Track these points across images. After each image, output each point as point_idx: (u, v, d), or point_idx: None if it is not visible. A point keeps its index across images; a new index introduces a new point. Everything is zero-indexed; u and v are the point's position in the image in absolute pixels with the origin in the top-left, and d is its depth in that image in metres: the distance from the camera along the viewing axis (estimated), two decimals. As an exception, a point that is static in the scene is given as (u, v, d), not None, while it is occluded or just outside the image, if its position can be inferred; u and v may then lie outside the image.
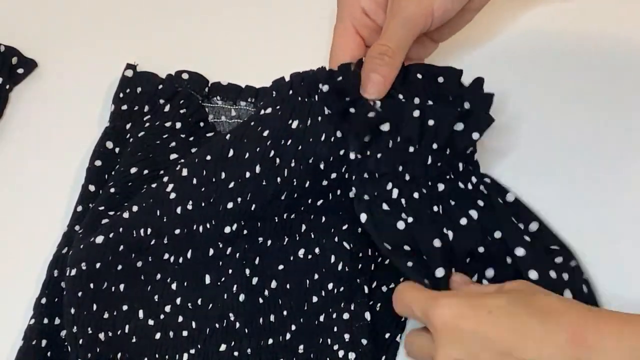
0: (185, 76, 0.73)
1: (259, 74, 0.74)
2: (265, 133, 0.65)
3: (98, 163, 0.70)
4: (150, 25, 0.78)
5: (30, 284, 0.66)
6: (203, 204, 0.65)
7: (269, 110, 0.67)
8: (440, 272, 0.60)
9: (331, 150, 0.65)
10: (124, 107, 0.72)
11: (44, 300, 0.65)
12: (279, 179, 0.65)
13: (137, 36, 0.78)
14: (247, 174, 0.65)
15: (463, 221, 0.62)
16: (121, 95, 0.73)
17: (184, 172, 0.65)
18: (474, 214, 0.63)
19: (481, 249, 0.62)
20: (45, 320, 0.64)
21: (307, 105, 0.66)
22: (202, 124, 0.71)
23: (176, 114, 0.71)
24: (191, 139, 0.70)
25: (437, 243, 0.61)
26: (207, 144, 0.67)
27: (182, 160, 0.67)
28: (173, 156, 0.69)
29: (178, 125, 0.70)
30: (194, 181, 0.65)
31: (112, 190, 0.67)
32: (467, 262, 0.62)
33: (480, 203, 0.63)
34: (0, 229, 0.70)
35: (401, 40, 0.64)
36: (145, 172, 0.68)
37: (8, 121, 0.75)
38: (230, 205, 0.65)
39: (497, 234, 0.62)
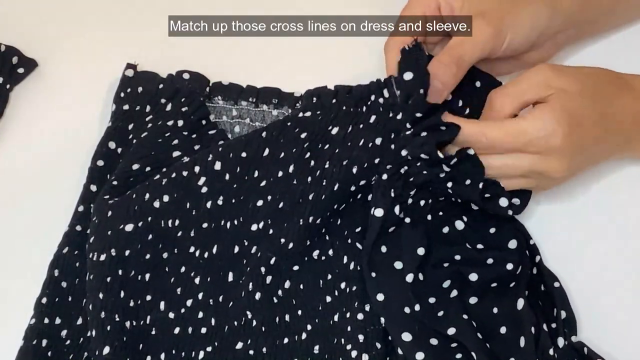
0: (186, 76, 0.73)
1: (260, 74, 0.75)
2: (303, 135, 0.66)
3: (100, 163, 0.70)
4: (150, 25, 0.78)
5: (31, 284, 0.66)
6: (233, 201, 0.66)
7: (308, 113, 0.68)
8: (409, 278, 0.62)
9: (367, 156, 0.65)
10: (126, 107, 0.72)
11: (44, 300, 0.65)
12: (309, 178, 0.65)
13: (137, 36, 0.78)
14: (280, 173, 0.66)
15: (445, 229, 0.64)
16: (122, 95, 0.73)
17: (217, 166, 0.66)
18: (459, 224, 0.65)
19: (457, 257, 0.64)
20: (46, 320, 0.64)
21: (351, 115, 0.67)
22: (204, 122, 0.71)
23: (178, 112, 0.71)
24: (193, 136, 0.70)
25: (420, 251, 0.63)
26: (242, 139, 0.68)
27: (214, 150, 0.67)
28: (175, 154, 0.69)
29: (180, 123, 0.70)
30: (227, 177, 0.66)
31: (115, 183, 0.67)
32: (445, 267, 0.63)
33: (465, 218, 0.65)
34: (1, 228, 0.70)
35: (470, 58, 0.65)
36: (147, 169, 0.68)
37: (8, 121, 0.75)
38: (259, 203, 0.66)
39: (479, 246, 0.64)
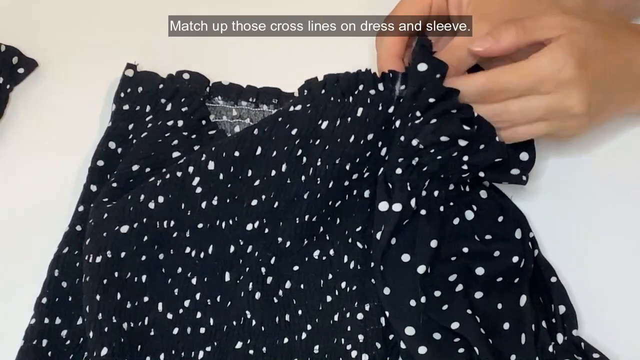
0: (186, 76, 0.73)
1: (260, 74, 0.75)
2: (294, 132, 0.66)
3: (100, 163, 0.70)
4: (150, 25, 0.78)
5: (31, 284, 0.66)
6: (228, 200, 0.66)
7: (298, 107, 0.67)
8: (421, 270, 0.62)
9: (359, 152, 0.65)
10: (126, 107, 0.72)
11: (44, 300, 0.65)
12: (303, 177, 0.65)
13: (137, 36, 0.78)
14: (273, 172, 0.66)
15: (456, 221, 0.64)
16: (122, 95, 0.73)
17: (211, 166, 0.66)
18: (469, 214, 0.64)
19: (465, 249, 0.64)
20: (46, 320, 0.64)
21: (338, 106, 0.66)
22: (204, 122, 0.72)
23: (178, 112, 0.71)
24: (193, 136, 0.70)
25: (433, 244, 0.62)
26: (234, 138, 0.68)
27: (207, 150, 0.67)
28: (175, 154, 0.69)
29: (180, 123, 0.70)
30: (221, 177, 0.66)
31: (114, 185, 0.67)
32: (453, 261, 0.63)
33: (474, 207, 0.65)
34: (1, 229, 0.70)
35: (470, 61, 0.65)
36: (147, 169, 0.68)
37: (8, 121, 0.75)
38: (254, 202, 0.66)
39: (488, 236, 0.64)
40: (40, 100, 0.76)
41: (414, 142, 0.63)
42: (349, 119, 0.65)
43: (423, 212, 0.63)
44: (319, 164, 0.65)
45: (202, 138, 0.70)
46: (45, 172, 0.72)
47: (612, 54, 0.63)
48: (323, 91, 0.67)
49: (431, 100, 0.62)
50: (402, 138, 0.63)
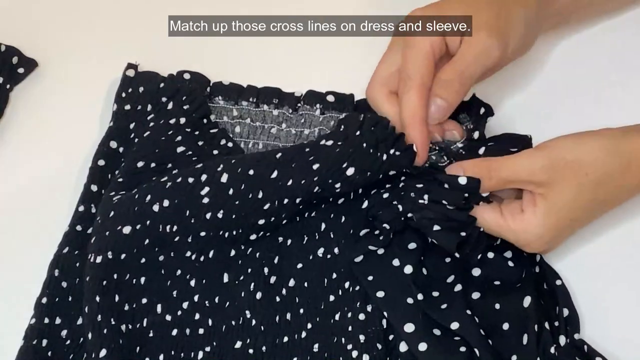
0: (187, 76, 0.73)
1: (260, 74, 0.75)
2: (315, 166, 0.64)
3: (101, 163, 0.70)
4: (150, 25, 0.78)
5: (31, 284, 0.66)
6: (234, 216, 0.65)
7: (329, 142, 0.65)
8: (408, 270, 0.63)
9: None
10: (127, 107, 0.72)
11: (44, 300, 0.65)
12: (318, 209, 0.66)
13: (137, 36, 0.78)
14: (286, 201, 0.64)
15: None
16: (123, 94, 0.73)
17: (224, 179, 0.65)
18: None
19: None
20: (46, 320, 0.64)
21: (370, 159, 0.64)
22: (205, 120, 0.71)
23: (180, 110, 0.71)
24: (196, 133, 0.70)
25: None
26: (255, 155, 0.67)
27: (225, 160, 0.66)
28: (180, 149, 0.69)
29: (182, 120, 0.70)
30: (231, 192, 0.65)
31: (120, 180, 0.67)
32: (448, 262, 0.64)
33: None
34: (1, 229, 0.70)
35: (473, 72, 0.64)
36: (153, 165, 0.68)
37: (8, 121, 0.74)
38: (261, 222, 0.65)
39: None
40: (40, 100, 0.76)
41: (409, 215, 0.63)
42: (381, 176, 0.64)
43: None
44: (339, 202, 0.66)
45: (204, 135, 0.70)
46: (45, 172, 0.72)
47: (592, 209, 0.64)
48: (358, 132, 0.65)
49: (444, 202, 0.62)
50: (399, 207, 0.63)
